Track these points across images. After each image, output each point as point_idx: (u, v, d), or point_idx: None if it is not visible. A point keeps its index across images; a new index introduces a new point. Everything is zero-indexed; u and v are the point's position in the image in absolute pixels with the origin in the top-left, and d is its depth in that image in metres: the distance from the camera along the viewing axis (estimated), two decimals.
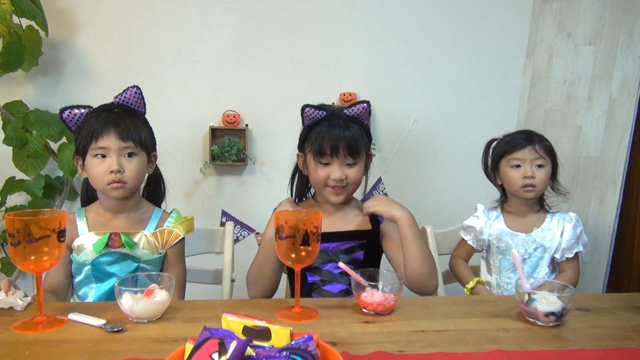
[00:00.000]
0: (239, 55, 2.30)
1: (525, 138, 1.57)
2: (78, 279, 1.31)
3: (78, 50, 2.22)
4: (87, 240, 1.29)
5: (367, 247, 1.41)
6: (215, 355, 0.65)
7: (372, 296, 1.09)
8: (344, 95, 2.31)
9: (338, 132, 1.33)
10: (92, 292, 1.31)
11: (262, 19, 2.30)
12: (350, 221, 1.43)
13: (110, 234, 1.28)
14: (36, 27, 2.03)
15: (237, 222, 2.36)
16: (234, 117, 2.26)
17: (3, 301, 1.01)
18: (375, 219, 1.43)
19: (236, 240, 2.36)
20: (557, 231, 1.56)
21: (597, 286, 2.03)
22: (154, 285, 1.06)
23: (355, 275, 1.11)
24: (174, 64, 2.29)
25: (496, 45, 2.47)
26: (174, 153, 2.26)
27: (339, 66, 2.36)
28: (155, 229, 1.36)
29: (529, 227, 1.58)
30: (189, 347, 0.71)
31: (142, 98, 1.34)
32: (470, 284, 1.55)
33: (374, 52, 2.38)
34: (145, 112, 1.37)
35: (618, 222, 2.03)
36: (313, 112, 1.37)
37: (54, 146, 2.12)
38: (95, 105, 1.33)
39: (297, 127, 2.35)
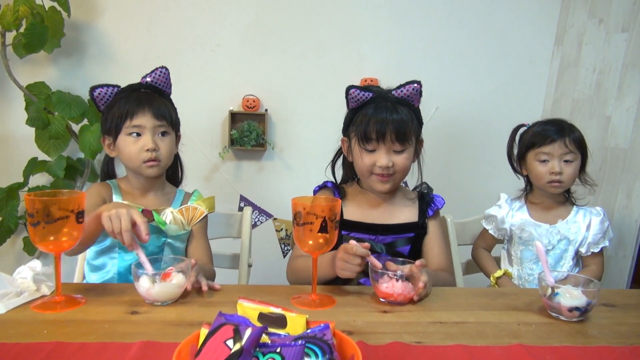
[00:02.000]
0: (259, 39, 2.28)
1: (557, 130, 1.50)
2: (101, 247, 1.30)
3: (100, 33, 2.22)
4: None
5: (414, 241, 1.36)
6: (230, 342, 0.64)
7: (392, 286, 1.07)
8: (365, 81, 2.28)
9: (385, 115, 1.24)
10: (111, 262, 1.31)
11: (283, 2, 2.26)
12: (396, 213, 1.37)
13: (143, 210, 1.29)
14: (59, 8, 2.04)
15: (255, 208, 2.36)
16: (254, 101, 2.24)
17: (30, 294, 1.02)
18: (423, 210, 1.38)
19: (254, 226, 2.36)
20: (583, 224, 1.51)
21: (622, 281, 1.97)
22: (171, 268, 1.06)
23: (373, 261, 1.09)
24: (194, 47, 2.27)
25: (523, 31, 2.39)
26: (194, 137, 2.26)
27: (360, 51, 2.32)
28: (180, 206, 1.39)
29: (553, 218, 1.54)
30: (204, 332, 0.70)
31: (169, 79, 1.36)
32: (498, 273, 1.52)
33: (396, 37, 2.33)
34: (170, 93, 1.39)
35: None
36: (359, 94, 1.28)
37: (76, 128, 2.13)
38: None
39: (317, 113, 2.35)
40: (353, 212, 1.36)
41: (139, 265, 1.04)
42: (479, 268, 1.67)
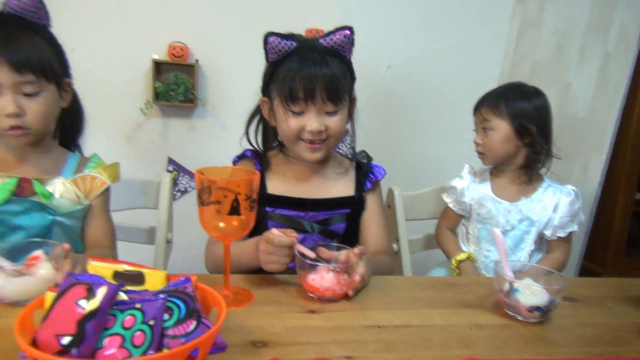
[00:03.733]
0: None
1: (482, 99, 1.40)
2: None
3: None
4: None
5: (350, 218, 1.17)
6: (83, 302, 0.58)
7: (323, 278, 0.88)
8: (310, 31, 2.02)
9: (313, 69, 1.03)
10: None
11: None
12: (329, 186, 1.17)
13: (19, 179, 1.00)
14: None
15: (185, 172, 2.11)
16: (182, 49, 1.94)
17: None
18: (360, 183, 1.19)
19: (183, 192, 2.11)
20: (550, 204, 1.34)
21: (574, 255, 1.89)
22: (38, 252, 0.81)
23: (303, 250, 0.89)
24: None
25: None
26: (111, 89, 1.95)
27: None
28: (74, 175, 1.09)
29: (515, 195, 1.37)
30: (51, 295, 0.61)
31: (44, 5, 1.00)
32: (461, 256, 1.36)
33: None
34: (50, 26, 1.03)
35: (600, 190, 1.88)
36: (280, 43, 1.05)
37: None
38: None
39: (256, 66, 2.07)
40: (278, 185, 1.15)
41: None
42: (442, 250, 1.50)
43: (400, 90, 2.20)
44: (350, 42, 1.08)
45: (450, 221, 1.48)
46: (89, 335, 0.56)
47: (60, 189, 1.05)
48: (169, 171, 2.07)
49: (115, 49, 1.94)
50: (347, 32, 1.05)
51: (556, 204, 1.33)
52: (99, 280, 0.63)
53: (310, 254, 0.90)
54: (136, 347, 0.58)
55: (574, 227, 1.33)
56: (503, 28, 2.26)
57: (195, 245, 1.81)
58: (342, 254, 0.92)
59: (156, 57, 1.95)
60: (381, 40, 2.13)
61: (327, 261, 0.91)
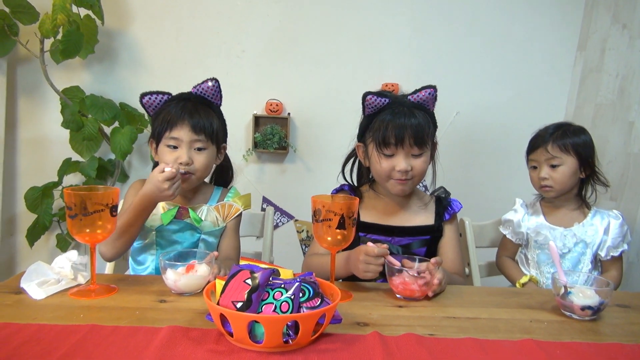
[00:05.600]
0: (283, 45, 2.34)
1: (542, 137, 1.54)
2: (142, 244, 1.38)
3: (130, 39, 2.32)
4: (157, 208, 1.33)
5: (430, 244, 1.39)
6: (249, 280, 0.85)
7: (405, 282, 1.10)
8: (386, 86, 2.32)
9: (403, 120, 1.26)
10: (150, 258, 1.38)
11: (306, 9, 2.33)
12: (412, 216, 1.40)
13: (179, 207, 1.35)
14: (93, 16, 2.14)
15: (276, 209, 2.42)
16: (277, 105, 2.30)
17: (68, 282, 1.10)
18: (440, 214, 1.41)
19: (275, 227, 2.42)
20: (601, 227, 1.51)
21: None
22: (193, 260, 1.11)
23: (389, 258, 1.13)
24: (220, 53, 2.35)
25: (546, 37, 2.40)
26: None
27: (381, 56, 2.36)
28: (216, 203, 1.43)
29: (569, 221, 1.54)
30: (219, 282, 0.90)
31: (219, 90, 1.38)
32: (524, 279, 1.51)
33: (417, 43, 2.36)
34: (220, 105, 1.42)
35: None
36: (375, 100, 1.30)
37: (107, 130, 2.23)
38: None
39: (338, 117, 2.40)
40: (369, 215, 1.40)
41: (167, 259, 1.10)
42: (505, 277, 1.67)
43: (468, 134, 2.42)
44: (433, 97, 1.33)
45: (509, 250, 1.66)
46: (253, 302, 0.83)
47: (206, 214, 1.39)
48: (263, 208, 2.39)
49: (225, 107, 2.34)
50: (432, 90, 1.31)
51: (606, 227, 1.49)
52: (256, 268, 0.90)
53: (396, 263, 1.13)
54: (283, 312, 0.84)
55: (625, 247, 1.48)
56: (566, 75, 2.44)
57: (287, 263, 2.10)
58: (423, 264, 1.14)
59: (256, 112, 2.32)
60: (451, 90, 2.37)
61: (411, 269, 1.14)
